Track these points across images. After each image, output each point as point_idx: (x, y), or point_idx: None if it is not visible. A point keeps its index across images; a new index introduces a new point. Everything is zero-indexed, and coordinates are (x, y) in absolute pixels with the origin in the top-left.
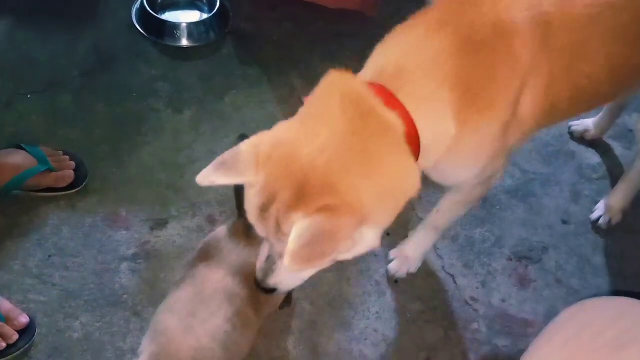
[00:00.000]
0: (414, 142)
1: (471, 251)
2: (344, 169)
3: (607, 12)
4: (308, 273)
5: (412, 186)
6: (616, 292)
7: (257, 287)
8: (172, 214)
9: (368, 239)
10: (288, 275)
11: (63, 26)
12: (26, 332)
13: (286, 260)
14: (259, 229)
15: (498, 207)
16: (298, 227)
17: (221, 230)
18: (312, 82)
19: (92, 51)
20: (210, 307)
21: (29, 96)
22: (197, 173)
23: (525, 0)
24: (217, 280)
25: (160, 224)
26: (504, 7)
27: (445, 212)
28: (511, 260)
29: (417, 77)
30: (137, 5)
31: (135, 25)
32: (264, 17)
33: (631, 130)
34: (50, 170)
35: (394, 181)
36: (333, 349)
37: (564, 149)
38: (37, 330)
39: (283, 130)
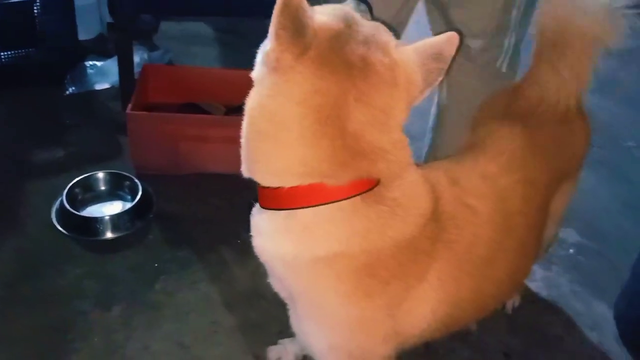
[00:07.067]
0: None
1: None
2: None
3: (516, 228)
4: None
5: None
6: None
7: None
8: None
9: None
10: None
11: None
12: None
13: None
14: None
15: (441, 352)
16: None
17: None
18: (244, 253)
19: (14, 259)
20: None
21: None
22: None
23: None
24: None
25: None
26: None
27: None
28: None
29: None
30: (57, 205)
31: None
32: (189, 197)
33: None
34: None
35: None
36: None
37: None
38: None
39: None
